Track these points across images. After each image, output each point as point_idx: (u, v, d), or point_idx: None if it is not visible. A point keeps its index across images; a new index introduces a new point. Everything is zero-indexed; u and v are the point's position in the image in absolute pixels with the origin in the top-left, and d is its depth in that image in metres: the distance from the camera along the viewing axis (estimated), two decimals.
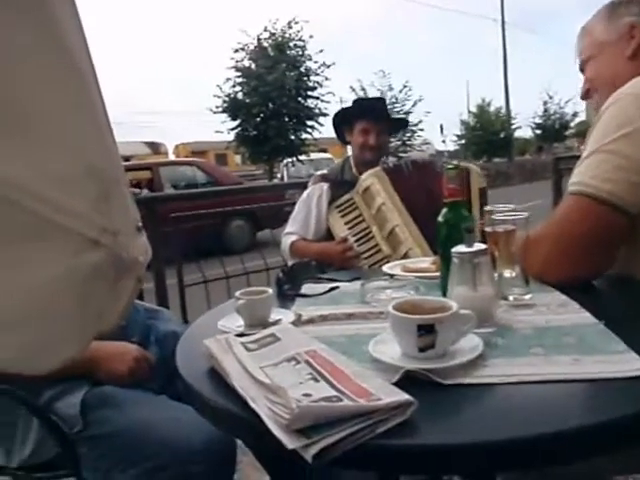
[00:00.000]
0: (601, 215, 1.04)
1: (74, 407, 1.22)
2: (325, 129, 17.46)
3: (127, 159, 13.93)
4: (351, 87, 20.34)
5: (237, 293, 1.06)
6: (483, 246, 0.95)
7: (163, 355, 1.41)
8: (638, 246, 1.09)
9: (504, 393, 0.73)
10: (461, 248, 0.95)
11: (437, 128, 34.26)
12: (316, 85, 17.55)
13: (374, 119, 2.24)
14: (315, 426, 0.62)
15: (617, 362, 0.75)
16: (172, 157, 22.17)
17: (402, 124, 2.91)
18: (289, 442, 0.61)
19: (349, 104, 2.52)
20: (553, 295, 1.08)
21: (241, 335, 0.93)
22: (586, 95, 1.38)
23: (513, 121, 32.31)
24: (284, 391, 0.66)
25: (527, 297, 1.05)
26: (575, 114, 34.94)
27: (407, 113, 20.00)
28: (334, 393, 0.67)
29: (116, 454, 1.19)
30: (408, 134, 19.88)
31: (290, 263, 2.28)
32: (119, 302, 0.60)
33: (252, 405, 0.69)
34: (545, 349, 0.82)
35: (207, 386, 0.81)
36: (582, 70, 1.37)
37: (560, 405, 0.69)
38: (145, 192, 8.53)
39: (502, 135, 31.22)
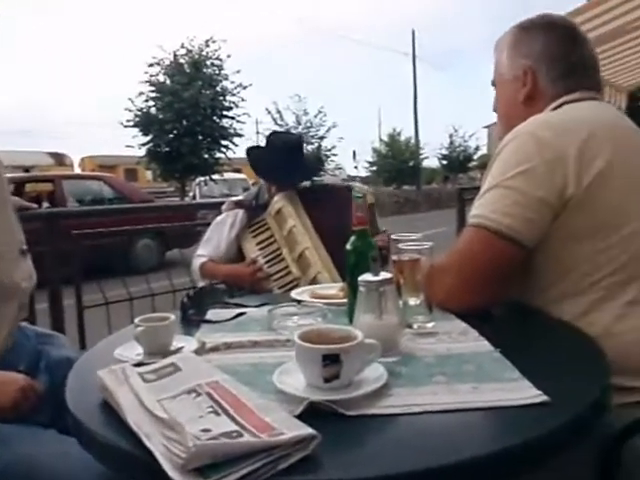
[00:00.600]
0: (500, 248, 1.09)
1: None
2: (239, 149, 17.37)
3: (27, 170, 13.11)
4: (267, 109, 20.49)
5: (136, 320, 1.01)
6: (389, 275, 0.97)
7: (54, 384, 1.30)
8: (533, 275, 1.15)
9: (407, 423, 0.73)
10: (367, 277, 0.96)
11: (350, 154, 35.24)
12: (232, 105, 17.46)
13: (276, 184, 2.15)
14: (213, 464, 0.59)
15: (512, 390, 0.78)
16: (78, 170, 21.12)
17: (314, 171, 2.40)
18: None
19: (264, 126, 2.47)
20: (454, 323, 1.11)
21: (139, 365, 0.88)
22: (495, 111, 1.44)
23: (421, 151, 33.90)
24: (181, 427, 0.63)
25: (430, 325, 1.08)
26: (477, 147, 37.36)
27: (321, 138, 20.40)
28: (235, 428, 0.65)
29: None
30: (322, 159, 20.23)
31: (200, 284, 2.21)
32: None
33: (146, 442, 0.65)
34: (447, 377, 0.84)
35: (97, 421, 0.76)
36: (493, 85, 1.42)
37: (459, 435, 0.70)
38: (46, 206, 8.07)
39: (411, 164, 32.60)
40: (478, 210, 1.13)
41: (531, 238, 1.09)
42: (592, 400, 0.78)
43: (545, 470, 0.70)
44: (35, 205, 2.75)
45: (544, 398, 0.74)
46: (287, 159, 2.07)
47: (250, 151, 2.24)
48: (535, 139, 1.10)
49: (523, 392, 0.77)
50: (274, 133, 2.30)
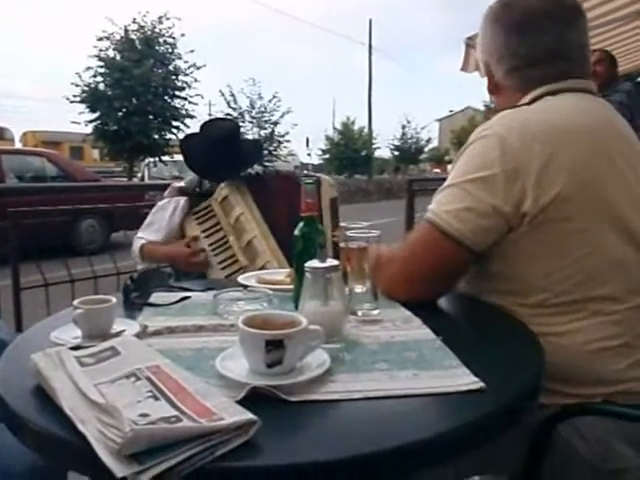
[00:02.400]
0: (447, 248, 1.09)
1: None
2: (191, 131, 17.01)
3: None
4: (220, 92, 20.07)
5: (75, 302, 0.97)
6: (335, 262, 0.97)
7: None
8: (483, 271, 1.16)
9: (348, 409, 0.74)
10: (314, 263, 0.96)
11: (303, 141, 35.13)
12: (184, 85, 17.07)
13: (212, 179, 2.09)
14: (150, 450, 0.58)
15: (451, 377, 0.80)
16: (19, 145, 20.17)
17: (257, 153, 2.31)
18: (119, 470, 0.56)
19: (217, 108, 2.34)
20: (399, 311, 1.13)
21: (76, 348, 0.85)
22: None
23: (374, 141, 34.26)
24: (118, 412, 0.61)
25: (375, 312, 1.09)
26: (429, 140, 38.07)
27: (275, 123, 20.20)
28: (174, 413, 0.64)
29: None
30: (275, 144, 20.08)
31: (140, 267, 2.16)
32: None
33: (80, 428, 0.63)
34: (388, 364, 0.86)
35: (29, 407, 0.72)
36: None
37: (399, 420, 0.71)
38: None
39: (363, 153, 32.84)
40: (434, 205, 1.13)
41: (480, 243, 1.08)
42: (524, 387, 0.81)
43: (479, 451, 0.73)
44: None
45: (480, 385, 0.77)
46: (219, 152, 2.01)
47: (183, 142, 2.18)
48: (501, 145, 1.06)
49: (461, 379, 0.79)
50: (208, 122, 2.18)
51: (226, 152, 2.03)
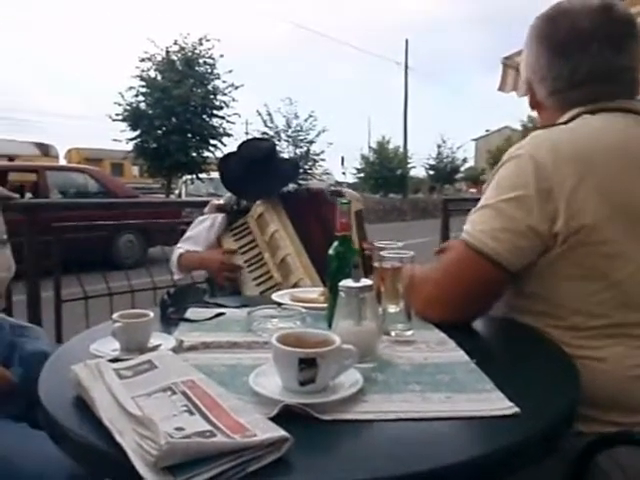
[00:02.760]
0: (483, 268, 1.09)
1: None
2: (228, 149, 17.33)
3: (11, 158, 12.92)
4: (257, 111, 20.41)
5: (114, 315, 1.00)
6: (369, 282, 0.98)
7: (27, 377, 1.28)
8: (518, 291, 1.15)
9: (380, 429, 0.74)
10: (348, 282, 0.96)
11: (338, 160, 35.32)
12: (222, 105, 17.43)
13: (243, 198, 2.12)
14: (184, 464, 0.59)
15: (484, 400, 0.79)
16: (63, 162, 20.87)
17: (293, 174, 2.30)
18: None
19: (254, 127, 2.37)
20: (433, 332, 1.12)
21: (115, 361, 0.87)
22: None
23: (409, 160, 34.15)
24: (154, 424, 0.63)
25: (408, 333, 1.09)
26: (465, 160, 37.77)
27: (311, 142, 20.39)
28: (208, 427, 0.65)
29: None
30: (310, 163, 20.25)
31: (177, 277, 2.22)
32: None
33: (118, 439, 0.65)
34: (421, 386, 0.85)
35: (70, 417, 0.75)
36: None
37: (432, 443, 0.71)
38: (28, 196, 7.96)
39: (398, 172, 32.78)
40: (470, 226, 1.12)
41: (516, 263, 1.07)
42: (560, 412, 0.79)
43: (514, 479, 0.71)
44: (16, 195, 2.72)
45: (514, 410, 0.76)
46: (256, 172, 2.04)
47: (221, 161, 2.23)
48: (534, 165, 1.05)
49: (495, 403, 0.78)
50: (245, 142, 2.21)
51: (262, 172, 2.06)
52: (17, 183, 8.62)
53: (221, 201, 2.29)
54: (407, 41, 33.93)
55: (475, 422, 0.75)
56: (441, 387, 0.85)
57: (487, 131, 57.49)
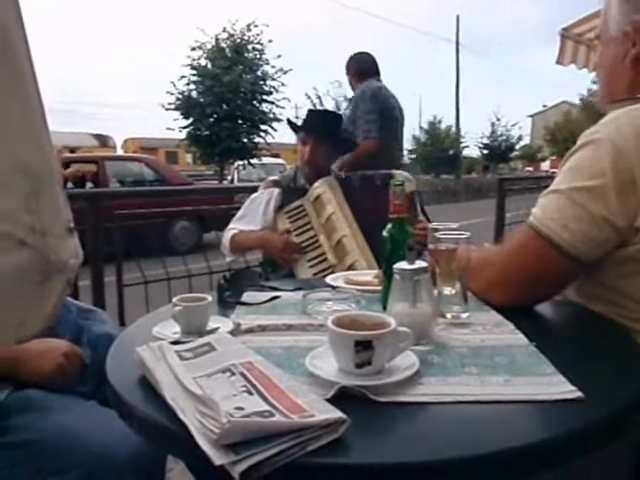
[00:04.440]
0: (551, 258, 1.05)
1: None
2: (278, 134, 17.44)
3: (73, 150, 13.46)
4: (307, 94, 20.42)
5: (174, 299, 1.03)
6: (424, 264, 0.97)
7: (95, 358, 1.34)
8: (589, 279, 1.11)
9: (437, 412, 0.74)
10: (403, 265, 0.96)
11: None
12: (272, 90, 17.48)
13: (308, 132, 2.20)
14: (245, 442, 0.61)
15: (545, 384, 0.78)
16: (120, 152, 21.57)
17: (346, 145, 2.44)
18: (217, 457, 0.59)
19: (304, 111, 2.48)
20: (490, 314, 1.10)
21: (176, 343, 0.90)
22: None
23: (462, 140, 33.35)
24: (216, 404, 0.65)
25: (465, 315, 1.07)
26: (520, 137, 36.50)
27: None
28: (267, 408, 0.66)
29: (37, 462, 1.13)
30: None
31: (228, 260, 2.26)
32: (44, 307, 0.56)
33: (181, 417, 0.67)
34: (479, 369, 0.84)
35: (135, 395, 0.78)
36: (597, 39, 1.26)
37: (489, 427, 0.70)
38: (89, 186, 8.28)
39: (451, 152, 32.10)
40: (538, 212, 1.08)
41: (587, 254, 1.02)
42: (627, 398, 0.76)
43: (575, 466, 0.70)
44: (72, 185, 2.85)
45: (578, 394, 0.73)
46: (312, 117, 2.31)
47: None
48: (615, 152, 0.98)
49: (556, 387, 0.76)
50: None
51: (329, 119, 2.30)
52: (79, 173, 8.97)
53: (277, 177, 2.33)
54: (458, 17, 33.08)
55: (534, 406, 0.73)
56: (499, 370, 0.83)
57: (544, 106, 55.40)
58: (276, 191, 2.18)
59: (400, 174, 2.18)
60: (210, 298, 1.05)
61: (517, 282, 1.11)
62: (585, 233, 1.01)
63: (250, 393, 0.71)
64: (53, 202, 0.56)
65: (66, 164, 8.76)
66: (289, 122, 2.37)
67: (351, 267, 1.91)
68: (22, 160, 0.52)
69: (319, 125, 2.23)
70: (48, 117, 0.57)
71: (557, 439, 0.66)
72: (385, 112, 3.37)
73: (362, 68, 3.56)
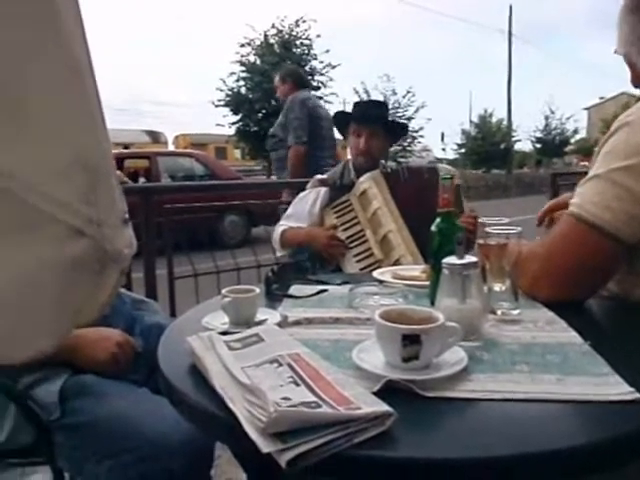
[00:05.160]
0: (596, 242, 1.04)
1: (52, 395, 1.20)
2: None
3: (127, 147, 13.89)
4: (354, 89, 20.39)
5: (224, 291, 1.05)
6: (474, 259, 0.95)
7: (147, 347, 1.39)
8: (634, 269, 1.08)
9: (486, 409, 0.72)
10: (452, 259, 0.94)
11: (438, 135, 34.39)
12: (320, 85, 17.53)
13: (362, 122, 2.20)
14: (292, 431, 0.61)
15: (600, 384, 0.75)
16: (172, 147, 22.10)
17: (399, 130, 2.44)
18: (264, 445, 0.60)
19: (352, 106, 2.47)
20: (541, 312, 1.07)
21: (225, 333, 0.92)
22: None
23: (514, 133, 32.52)
24: (263, 393, 0.66)
25: (515, 312, 1.05)
26: (576, 130, 35.22)
27: (409, 119, 20.02)
28: (313, 399, 0.67)
29: (92, 445, 1.18)
30: (409, 140, 19.90)
31: (279, 254, 2.29)
32: (100, 296, 0.58)
33: (230, 405, 0.68)
34: (530, 366, 0.82)
35: (186, 383, 0.80)
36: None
37: (539, 426, 0.68)
38: (142, 181, 8.53)
39: (502, 147, 31.33)
40: (578, 199, 1.07)
41: (631, 234, 1.02)
42: None
43: (629, 470, 0.67)
44: (128, 180, 2.94)
45: (636, 395, 0.71)
46: (365, 107, 2.35)
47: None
48: None
49: (612, 388, 0.73)
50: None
51: (377, 106, 2.38)
52: (132, 169, 9.25)
53: (324, 176, 2.34)
54: (511, 7, 32.08)
55: (589, 407, 0.71)
56: (552, 368, 0.81)
57: (601, 98, 53.21)
58: (323, 190, 2.19)
59: (444, 167, 2.18)
60: (258, 290, 1.06)
61: (563, 274, 1.09)
62: (627, 212, 1.01)
63: (297, 384, 0.71)
64: (109, 194, 0.58)
65: (120, 160, 9.07)
66: (339, 113, 2.37)
67: (397, 262, 1.90)
68: (82, 154, 0.54)
69: (372, 114, 2.25)
70: (106, 115, 0.59)
71: (613, 441, 0.64)
72: (313, 119, 3.72)
73: (297, 80, 3.94)
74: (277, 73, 4.07)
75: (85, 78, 0.56)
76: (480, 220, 1.13)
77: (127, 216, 0.61)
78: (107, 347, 1.28)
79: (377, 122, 2.22)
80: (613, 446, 0.64)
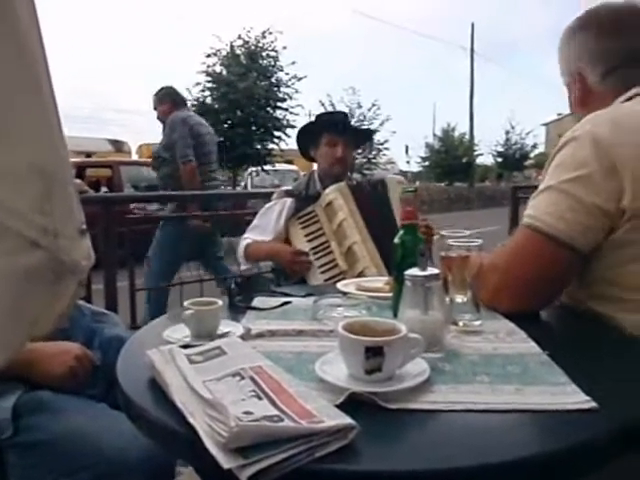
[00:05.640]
0: (552, 252, 1.06)
1: (5, 412, 1.15)
2: (291, 141, 17.45)
3: (89, 155, 13.60)
4: (320, 101, 20.49)
5: (186, 303, 1.03)
6: (436, 271, 0.96)
7: (106, 361, 1.35)
8: (581, 278, 1.12)
9: (448, 420, 0.73)
10: (414, 271, 0.95)
11: (402, 148, 34.88)
12: (286, 97, 17.56)
13: (339, 132, 2.22)
14: (254, 446, 0.60)
15: (558, 394, 0.77)
16: (135, 157, 21.72)
17: (367, 136, 2.62)
18: (225, 461, 0.59)
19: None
20: (502, 323, 1.09)
21: (186, 346, 0.91)
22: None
23: (476, 147, 33.21)
24: (225, 408, 0.65)
25: (477, 323, 1.06)
26: (535, 145, 36.25)
27: (374, 131, 20.23)
28: (276, 412, 0.66)
29: (48, 463, 1.14)
30: (374, 152, 20.11)
31: (243, 267, 2.27)
32: (56, 307, 0.56)
33: (190, 420, 0.67)
34: (490, 377, 0.83)
35: (145, 398, 0.78)
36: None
37: (501, 436, 0.69)
38: (104, 190, 8.35)
39: (464, 160, 31.98)
40: (532, 210, 1.11)
41: (585, 243, 1.05)
42: None
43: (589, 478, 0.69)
44: (89, 189, 2.88)
45: (592, 404, 0.72)
46: (337, 116, 2.39)
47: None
48: (594, 142, 1.05)
49: (570, 397, 0.75)
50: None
51: (342, 117, 2.38)
52: (93, 178, 9.05)
53: (289, 187, 2.34)
54: (473, 25, 32.95)
55: (547, 416, 0.72)
56: (512, 379, 0.82)
57: (559, 115, 54.94)
58: (289, 201, 2.19)
59: (390, 178, 2.23)
60: (221, 302, 1.05)
61: (522, 285, 1.11)
62: (581, 223, 1.04)
63: (259, 397, 0.70)
64: (66, 204, 0.56)
65: (82, 168, 8.87)
66: (311, 123, 2.38)
67: (361, 274, 1.91)
68: (37, 161, 0.53)
69: (348, 123, 2.33)
70: (66, 123, 0.57)
71: (570, 449, 0.65)
72: (196, 137, 3.84)
73: (175, 99, 4.04)
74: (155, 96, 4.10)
75: (41, 82, 0.54)
76: (442, 233, 1.15)
77: (85, 226, 0.60)
78: (65, 361, 1.24)
79: (352, 132, 2.28)
80: (570, 455, 0.65)
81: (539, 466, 0.64)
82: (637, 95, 1.14)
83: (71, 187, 0.57)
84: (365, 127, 19.56)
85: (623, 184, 1.01)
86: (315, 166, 2.36)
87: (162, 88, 4.09)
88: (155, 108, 4.08)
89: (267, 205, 2.26)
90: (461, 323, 1.06)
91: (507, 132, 35.52)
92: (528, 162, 36.74)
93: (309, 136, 2.30)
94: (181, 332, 1.03)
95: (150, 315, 3.06)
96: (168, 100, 4.01)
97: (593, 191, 1.03)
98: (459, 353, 0.94)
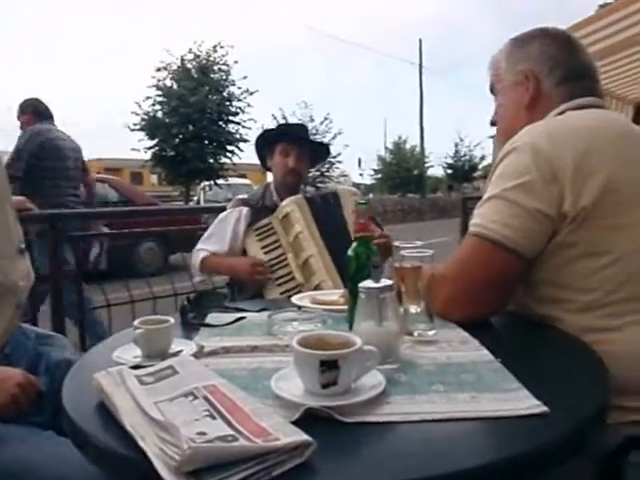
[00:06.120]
0: (499, 258, 1.09)
1: None
2: (245, 155, 17.41)
3: None
4: (273, 115, 20.56)
5: (136, 322, 1.00)
6: (389, 282, 0.96)
7: (53, 386, 1.29)
8: (530, 284, 1.14)
9: (404, 431, 0.73)
10: (368, 283, 0.95)
11: (355, 161, 35.30)
12: (238, 111, 17.52)
13: (293, 141, 2.21)
14: (207, 469, 0.59)
15: (511, 400, 0.78)
16: None
17: (323, 151, 2.46)
18: None
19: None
20: (455, 332, 1.10)
21: (137, 367, 0.87)
22: (493, 124, 1.43)
23: (427, 160, 34.03)
24: (176, 429, 0.62)
25: (431, 333, 1.07)
26: (483, 157, 37.33)
27: (329, 145, 20.41)
28: (230, 432, 0.64)
29: None
30: (327, 165, 20.27)
31: (198, 279, 2.23)
32: None
33: (141, 444, 0.65)
34: (445, 386, 0.84)
35: (92, 423, 0.75)
36: (493, 93, 1.41)
37: (457, 444, 0.69)
38: None
39: (416, 172, 32.64)
40: (477, 219, 1.13)
41: (530, 249, 1.08)
42: (591, 413, 0.77)
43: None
44: (33, 207, 2.77)
45: (543, 409, 0.74)
46: (293, 127, 2.55)
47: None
48: (533, 152, 1.09)
49: (522, 402, 0.76)
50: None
51: (301, 127, 2.47)
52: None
53: (245, 196, 2.31)
54: (421, 41, 33.98)
55: (502, 422, 0.73)
56: (466, 387, 0.83)
57: None
58: (245, 209, 2.17)
59: (341, 190, 2.24)
60: (173, 320, 1.02)
61: (472, 294, 1.13)
62: (525, 228, 1.07)
63: (213, 417, 0.69)
64: (3, 222, 0.54)
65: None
66: (267, 131, 2.36)
67: (318, 287, 1.91)
68: None
69: (303, 133, 2.31)
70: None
71: (523, 455, 0.66)
72: (51, 151, 3.75)
73: (35, 111, 3.95)
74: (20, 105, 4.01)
75: None
76: (395, 243, 1.16)
77: (23, 245, 0.57)
78: (6, 389, 1.18)
79: (307, 142, 2.27)
80: (524, 460, 0.66)
81: (498, 472, 0.65)
82: (568, 110, 1.20)
83: (8, 205, 0.55)
84: (318, 140, 19.75)
85: (564, 191, 1.05)
86: (270, 178, 2.35)
87: (26, 99, 4.02)
88: (18, 118, 3.99)
89: (221, 215, 2.22)
90: (416, 333, 1.07)
91: (456, 144, 36.56)
92: (477, 173, 37.81)
93: (265, 144, 2.29)
94: (132, 352, 1.00)
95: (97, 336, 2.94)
96: (30, 111, 3.93)
97: (535, 197, 1.07)
98: (414, 363, 0.94)
